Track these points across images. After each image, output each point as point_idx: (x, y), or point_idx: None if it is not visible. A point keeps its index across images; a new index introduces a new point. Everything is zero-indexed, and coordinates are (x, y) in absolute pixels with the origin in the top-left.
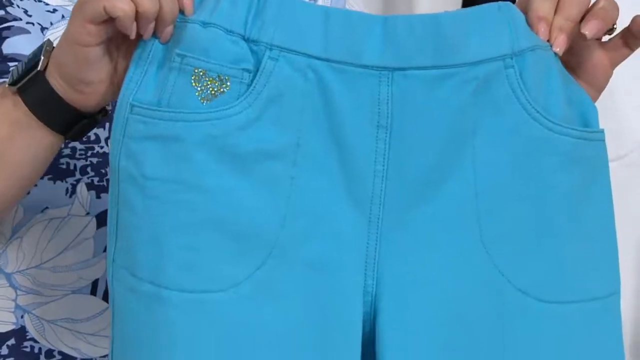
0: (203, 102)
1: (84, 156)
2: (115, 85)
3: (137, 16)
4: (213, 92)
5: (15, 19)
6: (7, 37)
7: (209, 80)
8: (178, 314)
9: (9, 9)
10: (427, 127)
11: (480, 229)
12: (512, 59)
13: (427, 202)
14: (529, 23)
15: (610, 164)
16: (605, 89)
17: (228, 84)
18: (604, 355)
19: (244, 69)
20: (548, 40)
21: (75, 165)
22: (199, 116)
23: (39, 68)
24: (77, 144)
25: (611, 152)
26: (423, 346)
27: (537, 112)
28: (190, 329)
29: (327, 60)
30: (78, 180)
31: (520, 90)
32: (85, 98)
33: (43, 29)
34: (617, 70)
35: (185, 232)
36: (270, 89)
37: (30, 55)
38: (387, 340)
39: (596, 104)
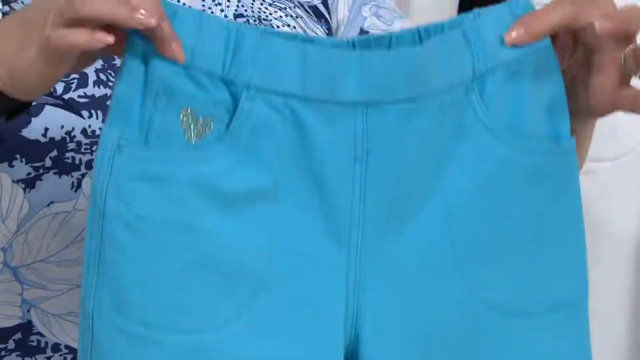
0: (189, 143)
1: (89, 150)
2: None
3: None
4: (198, 133)
5: None
6: None
7: (194, 122)
8: (171, 355)
9: (13, 4)
10: (401, 157)
11: (453, 251)
12: (472, 82)
13: (403, 230)
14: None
15: (607, 165)
16: None
17: (211, 124)
18: (575, 357)
19: (224, 110)
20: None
21: (80, 160)
22: (188, 157)
23: None
24: (82, 138)
25: (607, 153)
26: None
27: (502, 132)
28: None
29: (304, 98)
30: (83, 175)
31: (483, 113)
32: (21, 93)
33: None
34: None
35: (178, 273)
36: (248, 129)
37: None
38: None
39: None
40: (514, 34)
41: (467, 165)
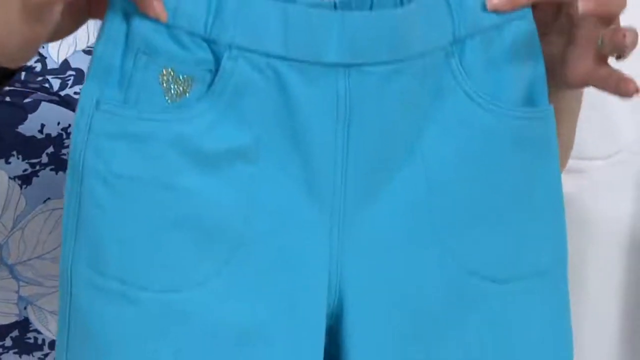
0: (169, 102)
1: None
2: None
3: None
4: (178, 92)
5: None
6: None
7: (175, 81)
8: (148, 313)
9: None
10: (383, 120)
11: (432, 217)
12: (452, 47)
13: (383, 194)
14: None
15: (599, 163)
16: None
17: (192, 84)
18: (556, 322)
19: (206, 70)
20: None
21: None
22: (168, 116)
23: None
24: None
25: (600, 151)
26: (387, 337)
27: (481, 98)
28: (157, 327)
29: (286, 59)
30: None
31: (462, 77)
32: (6, 59)
33: None
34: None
35: (156, 231)
36: (230, 89)
37: None
38: (352, 333)
39: (585, 102)
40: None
41: (447, 129)
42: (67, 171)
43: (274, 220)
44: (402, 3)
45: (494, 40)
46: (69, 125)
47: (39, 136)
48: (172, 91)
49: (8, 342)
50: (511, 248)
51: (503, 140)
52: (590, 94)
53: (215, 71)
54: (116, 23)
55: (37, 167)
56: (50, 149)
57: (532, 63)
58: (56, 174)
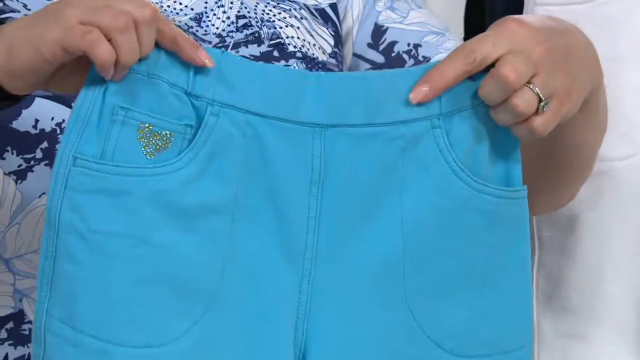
0: (148, 157)
1: None
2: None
3: (115, 64)
4: (158, 147)
5: (13, 10)
6: None
7: (153, 135)
8: None
9: (7, 1)
10: (357, 183)
11: (404, 283)
12: (439, 119)
13: (356, 257)
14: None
15: (618, 164)
16: (614, 88)
17: (172, 139)
18: None
19: (186, 125)
20: None
21: None
22: (146, 171)
23: None
24: None
25: (619, 152)
26: None
27: (463, 171)
28: None
29: (265, 116)
30: None
31: (447, 149)
32: (17, 88)
33: None
34: (626, 68)
35: (132, 286)
36: (211, 144)
37: None
38: None
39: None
40: (419, 93)
41: (427, 198)
42: (45, 225)
43: (247, 277)
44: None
45: (480, 114)
46: (63, 121)
47: (33, 131)
48: (151, 146)
49: (3, 333)
50: (477, 324)
51: (478, 215)
52: (609, 96)
53: (196, 126)
54: (97, 77)
55: (32, 162)
56: (45, 144)
57: (509, 140)
58: (51, 168)
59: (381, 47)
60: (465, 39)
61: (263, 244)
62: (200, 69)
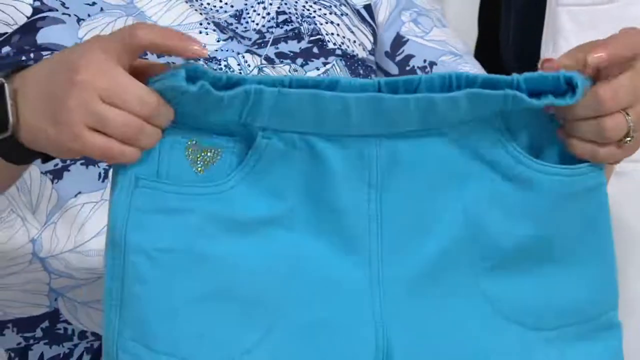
0: (198, 174)
1: None
2: None
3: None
4: (206, 162)
5: (51, 9)
6: (42, 28)
7: (201, 151)
8: None
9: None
10: (416, 182)
11: (473, 270)
12: (497, 117)
13: (421, 253)
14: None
15: (637, 165)
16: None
17: (220, 153)
18: None
19: (237, 141)
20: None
21: None
22: (201, 189)
23: (8, 133)
24: None
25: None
26: None
27: (525, 157)
28: None
29: (319, 134)
30: (110, 165)
31: (506, 138)
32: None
33: (79, 20)
34: None
35: (199, 302)
36: (263, 162)
37: None
38: None
39: None
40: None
41: (488, 186)
42: (107, 248)
43: (314, 285)
44: (450, 88)
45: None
46: None
47: None
48: (200, 162)
49: (39, 332)
50: (558, 296)
51: (546, 197)
52: None
53: (247, 145)
54: None
55: (68, 162)
56: None
57: None
58: (87, 168)
59: (397, 59)
60: (480, 34)
61: (326, 252)
62: (256, 105)
